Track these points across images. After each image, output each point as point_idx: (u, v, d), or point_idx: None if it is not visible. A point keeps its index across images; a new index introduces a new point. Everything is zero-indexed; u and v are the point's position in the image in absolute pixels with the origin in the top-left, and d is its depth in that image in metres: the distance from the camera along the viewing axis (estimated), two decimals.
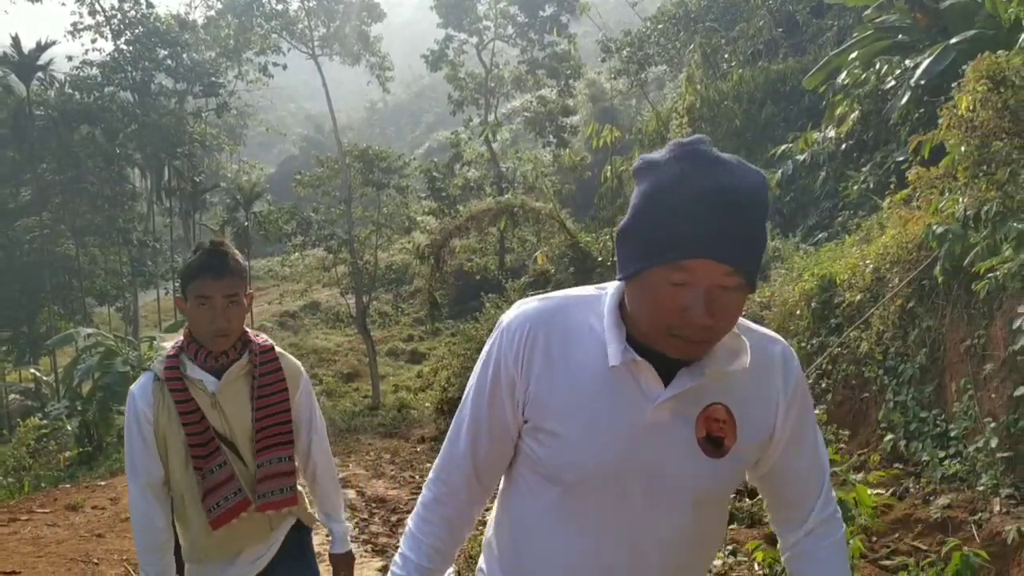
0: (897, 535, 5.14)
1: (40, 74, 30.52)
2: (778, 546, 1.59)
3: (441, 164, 33.69)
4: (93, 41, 34.60)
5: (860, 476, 6.04)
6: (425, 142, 74.82)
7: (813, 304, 7.11)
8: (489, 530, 1.55)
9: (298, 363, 2.52)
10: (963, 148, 4.63)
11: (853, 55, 13.19)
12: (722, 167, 1.20)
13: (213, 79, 35.03)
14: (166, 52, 34.50)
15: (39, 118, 30.20)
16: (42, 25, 35.64)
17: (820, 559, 1.49)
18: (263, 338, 2.48)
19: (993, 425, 5.08)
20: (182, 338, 2.39)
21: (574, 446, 1.33)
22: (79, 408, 18.92)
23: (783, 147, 14.58)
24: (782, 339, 1.45)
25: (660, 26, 26.07)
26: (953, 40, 10.50)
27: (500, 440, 1.44)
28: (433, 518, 1.51)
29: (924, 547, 4.91)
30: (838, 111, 13.12)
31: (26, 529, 6.57)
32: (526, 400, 1.38)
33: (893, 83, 11.94)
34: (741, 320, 1.36)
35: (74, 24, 34.39)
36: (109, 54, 34.13)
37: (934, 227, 4.93)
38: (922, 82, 10.60)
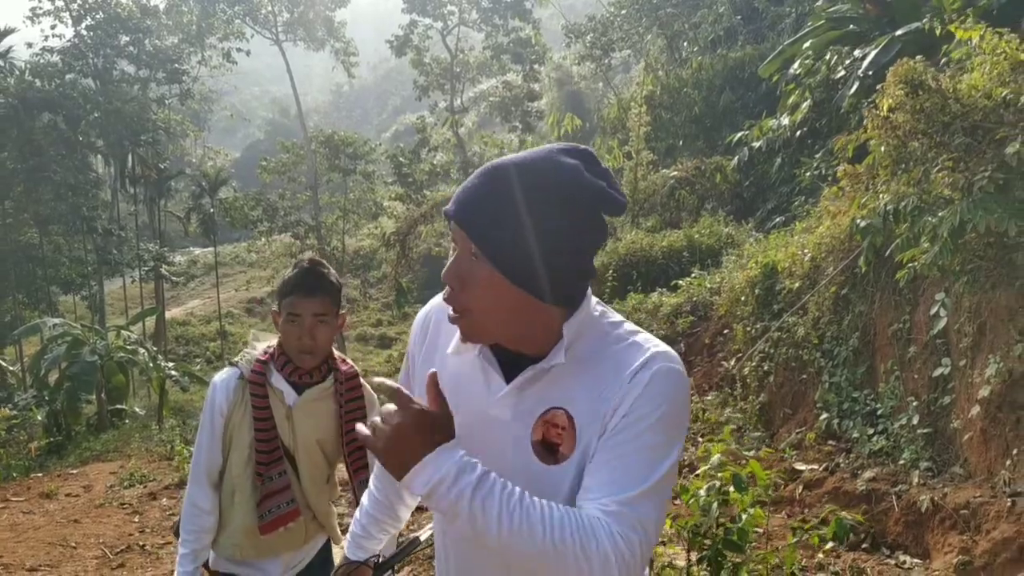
0: (827, 506, 5.53)
1: (0, 61, 30.16)
2: None
3: (407, 149, 33.78)
4: (53, 27, 34.20)
5: (797, 453, 6.47)
6: (392, 125, 74.55)
7: (757, 290, 7.48)
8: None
9: (374, 393, 2.54)
10: (883, 148, 4.99)
11: (807, 44, 13.57)
12: (525, 155, 1.28)
13: (176, 66, 34.80)
14: (128, 38, 34.16)
15: (0, 106, 29.86)
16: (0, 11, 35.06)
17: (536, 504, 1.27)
18: (349, 364, 2.53)
19: (915, 404, 5.48)
20: (275, 345, 2.44)
21: None
22: (47, 398, 18.96)
23: (739, 134, 14.96)
24: (660, 350, 1.31)
25: (623, 11, 26.35)
26: (899, 32, 10.91)
27: None
28: (382, 476, 1.74)
29: (849, 517, 5.30)
30: (791, 100, 13.50)
31: (2, 516, 6.80)
32: (413, 377, 1.53)
33: (843, 73, 12.33)
34: (628, 327, 1.35)
35: (33, 9, 33.93)
36: (69, 40, 33.74)
37: (858, 220, 5.29)
38: (870, 73, 10.99)
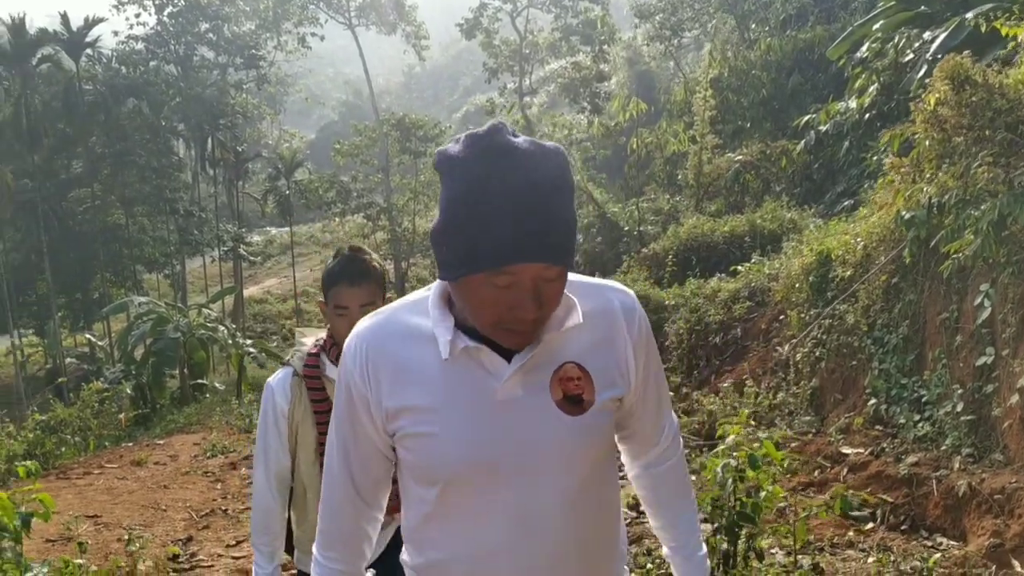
0: (869, 489, 5.71)
1: (88, 51, 31.51)
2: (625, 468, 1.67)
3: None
4: (137, 16, 35.53)
5: (844, 437, 6.64)
6: (463, 106, 74.96)
7: (811, 278, 7.61)
8: (404, 549, 1.55)
9: None
10: (927, 142, 5.11)
11: (877, 26, 13.39)
12: (521, 158, 1.20)
13: (253, 51, 35.80)
14: (207, 25, 35.31)
15: (88, 93, 31.23)
16: (87, 1, 36.55)
17: (664, 479, 1.61)
18: None
19: (960, 391, 5.60)
20: (324, 337, 2.42)
21: (439, 443, 1.34)
22: (133, 372, 20.02)
23: (807, 117, 14.87)
24: (622, 287, 1.47)
25: None
26: (969, 15, 10.76)
27: (371, 460, 1.46)
28: (331, 542, 1.53)
29: (890, 499, 5.48)
30: (858, 83, 13.38)
31: (100, 481, 7.42)
32: (384, 415, 1.39)
33: (912, 56, 12.17)
34: (574, 276, 1.39)
35: None
36: (152, 28, 35.03)
37: (903, 213, 5.42)
38: (938, 56, 10.84)
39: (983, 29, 6.63)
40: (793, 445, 6.94)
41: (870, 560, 3.82)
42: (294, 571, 2.59)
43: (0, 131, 31.21)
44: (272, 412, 2.39)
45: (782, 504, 3.27)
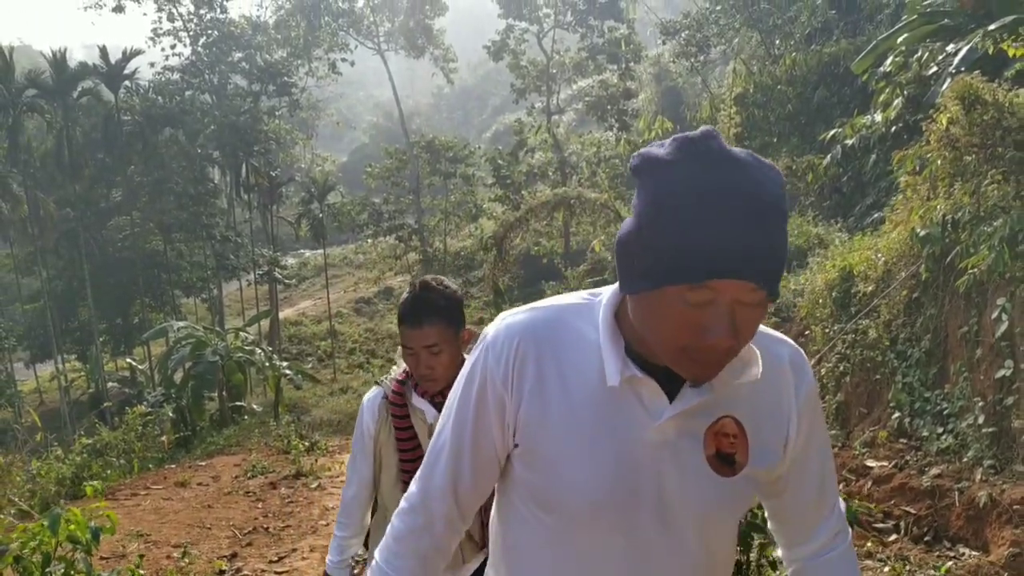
0: (893, 501, 5.81)
1: (126, 82, 32.41)
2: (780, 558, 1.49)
3: (506, 151, 34.52)
4: (172, 47, 36.46)
5: (868, 451, 6.74)
6: (492, 125, 75.55)
7: (834, 293, 7.73)
8: (489, 564, 1.46)
9: None
10: (939, 161, 5.25)
11: (901, 39, 13.46)
12: (740, 168, 1.07)
13: (285, 79, 36.53)
14: (240, 55, 36.16)
15: (126, 123, 32.10)
16: (124, 33, 37.56)
17: (828, 570, 1.39)
18: None
19: (981, 404, 5.70)
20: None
21: (572, 471, 1.23)
22: (174, 395, 20.45)
23: (832, 131, 14.95)
24: (791, 341, 1.33)
25: (718, 7, 26.33)
26: (992, 27, 10.82)
27: (484, 470, 1.33)
28: (404, 551, 1.38)
29: (913, 511, 5.58)
30: (882, 97, 13.46)
31: (147, 502, 7.71)
32: (516, 423, 1.26)
33: (935, 69, 12.25)
34: None
35: (154, 30, 36.30)
36: (187, 59, 35.93)
37: (917, 230, 5.56)
38: (961, 69, 10.92)
39: (991, 51, 6.74)
40: None
41: (886, 570, 3.95)
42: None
43: (42, 162, 32.16)
44: (361, 429, 2.44)
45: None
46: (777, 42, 21.73)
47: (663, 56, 36.45)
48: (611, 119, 33.96)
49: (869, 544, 4.81)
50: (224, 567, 5.42)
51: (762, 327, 1.26)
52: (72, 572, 2.55)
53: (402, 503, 1.40)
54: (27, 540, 2.52)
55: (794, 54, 19.20)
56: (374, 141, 70.31)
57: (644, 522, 1.23)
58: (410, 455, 2.34)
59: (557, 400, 1.23)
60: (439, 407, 2.31)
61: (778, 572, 3.11)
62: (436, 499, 1.34)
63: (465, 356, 2.23)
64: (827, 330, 7.85)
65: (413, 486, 1.40)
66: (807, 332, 8.64)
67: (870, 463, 6.43)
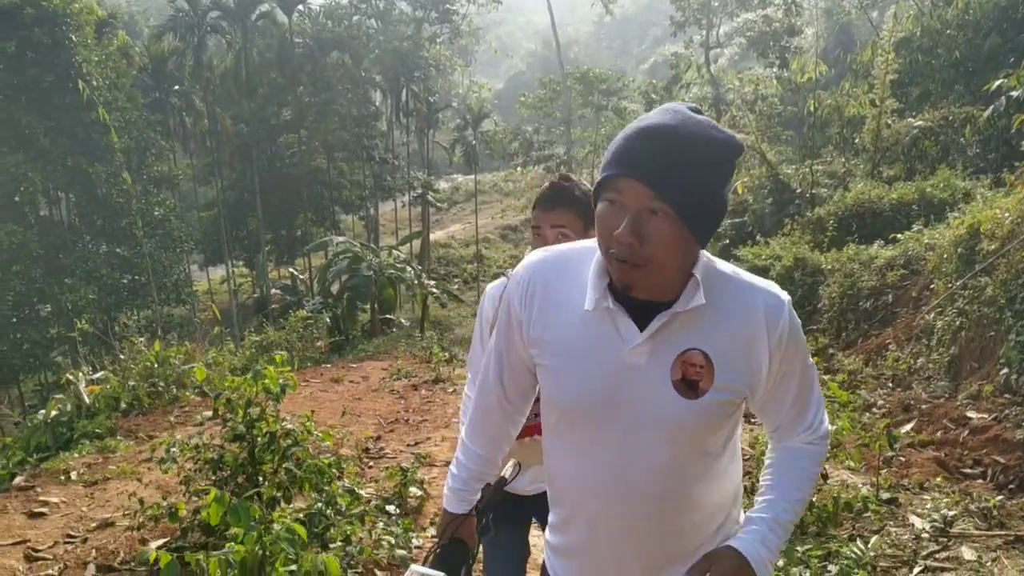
0: (985, 450, 6.10)
1: (300, 7, 34.11)
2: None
3: (660, 86, 34.22)
4: None
5: (972, 403, 6.98)
6: (651, 56, 74.07)
7: (960, 249, 7.84)
8: None
9: None
10: None
11: None
12: (677, 115, 1.35)
13: (447, 6, 37.33)
14: None
15: (298, 46, 33.91)
16: None
17: (788, 460, 1.64)
18: None
19: None
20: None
21: (563, 378, 1.50)
22: (331, 304, 22.10)
23: (998, 82, 14.33)
24: (775, 290, 1.50)
25: None
26: None
27: (517, 370, 1.63)
28: (477, 432, 1.76)
29: (1003, 460, 5.87)
30: None
31: (306, 391, 8.90)
32: (529, 339, 1.55)
33: None
34: (738, 270, 1.51)
35: None
36: None
37: None
38: None
39: None
40: (924, 407, 7.35)
41: (945, 500, 4.37)
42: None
43: (221, 80, 34.49)
44: (480, 318, 2.49)
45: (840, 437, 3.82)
46: None
47: None
48: (772, 56, 32.92)
49: (939, 480, 5.17)
50: (370, 446, 6.42)
51: (747, 273, 1.52)
52: (264, 413, 3.43)
53: (469, 395, 1.81)
54: (235, 387, 3.42)
55: None
56: (530, 69, 70.58)
57: (620, 427, 1.46)
58: None
59: (555, 323, 1.50)
60: None
61: (831, 482, 3.64)
62: (490, 391, 1.70)
63: None
64: (949, 285, 7.99)
65: (475, 385, 1.79)
66: (932, 286, 8.75)
67: (970, 414, 6.67)
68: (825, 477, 3.75)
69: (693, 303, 1.39)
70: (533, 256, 1.59)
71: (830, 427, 1.68)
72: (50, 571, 3.34)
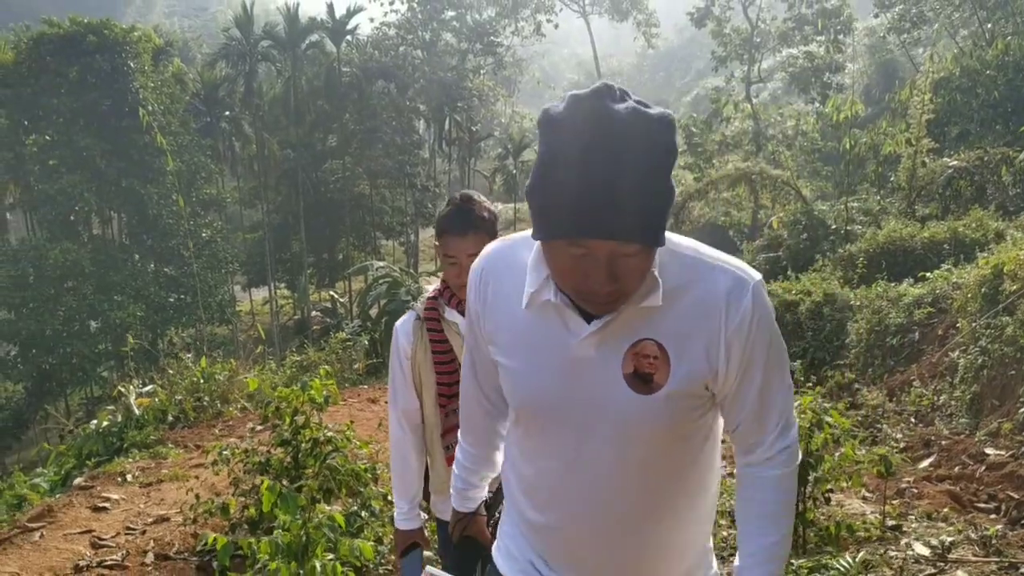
0: (1000, 486, 6.26)
1: (348, 37, 35.13)
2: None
3: (700, 119, 34.46)
4: (391, 3, 38.84)
5: (990, 439, 7.13)
6: (694, 89, 74.36)
7: (984, 289, 8.01)
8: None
9: None
10: None
11: None
12: (610, 128, 1.15)
13: (492, 38, 38.15)
14: (452, 13, 38.07)
15: (345, 74, 34.86)
16: None
17: (759, 486, 1.47)
18: None
19: None
20: (440, 284, 2.45)
21: (515, 376, 1.42)
22: (369, 327, 22.50)
23: None
24: (741, 270, 1.35)
25: None
26: None
27: (489, 367, 1.52)
28: (467, 431, 1.74)
29: (1017, 496, 6.02)
30: None
31: (342, 410, 9.27)
32: (484, 335, 1.48)
33: None
34: (700, 247, 1.37)
35: None
36: (403, 15, 38.24)
37: None
38: None
39: None
40: (944, 443, 7.49)
41: (949, 528, 4.56)
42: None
43: (270, 107, 35.50)
44: (397, 354, 2.44)
45: (857, 463, 4.04)
46: (989, 26, 20.67)
47: (883, 24, 34.98)
48: (813, 91, 33.07)
49: (946, 510, 5.35)
50: None
51: (711, 252, 1.37)
52: (309, 421, 3.78)
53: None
54: (283, 397, 3.78)
55: (1009, 38, 18.33)
56: None
57: (573, 425, 1.37)
58: (446, 368, 2.37)
59: (504, 317, 1.42)
60: None
61: (829, 506, 3.87)
62: (468, 388, 1.65)
63: None
64: (973, 323, 8.15)
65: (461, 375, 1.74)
66: (958, 324, 8.90)
67: (988, 450, 6.82)
68: (828, 500, 3.98)
69: (647, 303, 1.28)
70: (488, 247, 1.52)
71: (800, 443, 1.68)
72: (114, 557, 3.73)
